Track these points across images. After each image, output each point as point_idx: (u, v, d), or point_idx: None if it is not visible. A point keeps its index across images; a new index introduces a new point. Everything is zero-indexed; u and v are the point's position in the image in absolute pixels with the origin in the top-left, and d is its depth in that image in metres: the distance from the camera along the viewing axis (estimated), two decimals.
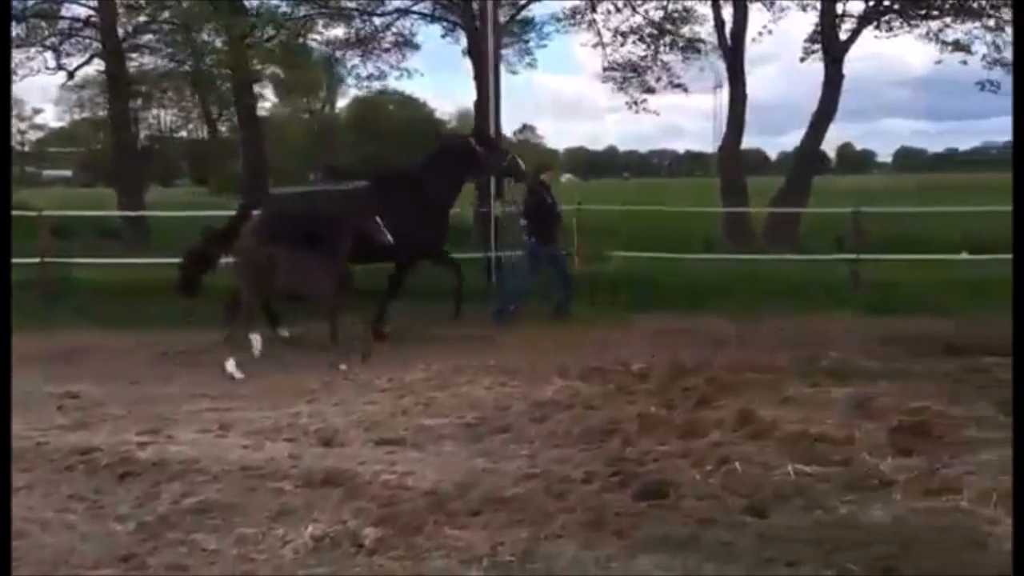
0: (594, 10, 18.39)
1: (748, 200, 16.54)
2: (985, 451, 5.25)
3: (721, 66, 16.84)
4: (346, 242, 8.49)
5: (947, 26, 15.90)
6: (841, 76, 15.89)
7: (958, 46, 15.73)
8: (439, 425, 6.25)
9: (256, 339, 8.76)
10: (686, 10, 17.80)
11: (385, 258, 9.61)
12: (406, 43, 19.90)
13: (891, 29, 16.00)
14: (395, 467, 5.36)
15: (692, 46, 17.34)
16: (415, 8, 18.82)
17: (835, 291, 11.40)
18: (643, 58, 17.48)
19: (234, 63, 17.34)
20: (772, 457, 5.27)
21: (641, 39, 17.32)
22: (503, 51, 20.46)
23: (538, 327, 9.92)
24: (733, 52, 16.08)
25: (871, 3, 15.84)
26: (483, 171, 10.50)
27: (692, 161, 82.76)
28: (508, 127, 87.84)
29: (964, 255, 12.88)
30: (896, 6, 15.79)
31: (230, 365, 7.97)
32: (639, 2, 17.77)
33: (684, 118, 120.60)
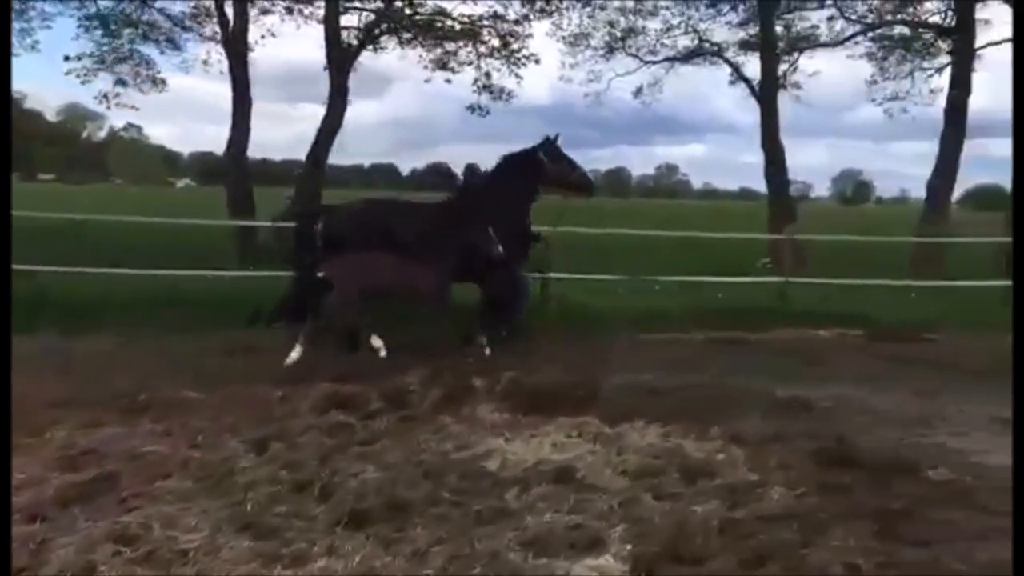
0: None
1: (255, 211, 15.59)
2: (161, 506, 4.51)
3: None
4: (454, 253, 8.52)
5: (449, 53, 16.39)
6: (346, 89, 15.60)
7: (444, 67, 16.32)
8: None
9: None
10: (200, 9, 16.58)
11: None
12: None
13: (382, 48, 16.20)
14: None
15: (169, 39, 16.06)
16: None
17: None
18: (107, 48, 15.76)
19: None
20: None
21: (106, 27, 15.56)
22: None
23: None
24: (236, 53, 15.09)
25: (374, 17, 15.81)
26: (550, 183, 9.67)
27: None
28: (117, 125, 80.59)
29: None
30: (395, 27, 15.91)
31: (376, 341, 8.39)
32: None
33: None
